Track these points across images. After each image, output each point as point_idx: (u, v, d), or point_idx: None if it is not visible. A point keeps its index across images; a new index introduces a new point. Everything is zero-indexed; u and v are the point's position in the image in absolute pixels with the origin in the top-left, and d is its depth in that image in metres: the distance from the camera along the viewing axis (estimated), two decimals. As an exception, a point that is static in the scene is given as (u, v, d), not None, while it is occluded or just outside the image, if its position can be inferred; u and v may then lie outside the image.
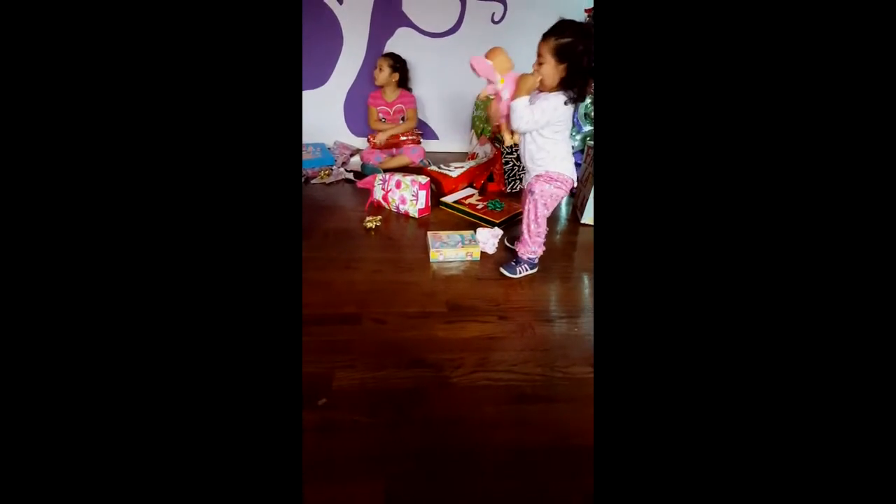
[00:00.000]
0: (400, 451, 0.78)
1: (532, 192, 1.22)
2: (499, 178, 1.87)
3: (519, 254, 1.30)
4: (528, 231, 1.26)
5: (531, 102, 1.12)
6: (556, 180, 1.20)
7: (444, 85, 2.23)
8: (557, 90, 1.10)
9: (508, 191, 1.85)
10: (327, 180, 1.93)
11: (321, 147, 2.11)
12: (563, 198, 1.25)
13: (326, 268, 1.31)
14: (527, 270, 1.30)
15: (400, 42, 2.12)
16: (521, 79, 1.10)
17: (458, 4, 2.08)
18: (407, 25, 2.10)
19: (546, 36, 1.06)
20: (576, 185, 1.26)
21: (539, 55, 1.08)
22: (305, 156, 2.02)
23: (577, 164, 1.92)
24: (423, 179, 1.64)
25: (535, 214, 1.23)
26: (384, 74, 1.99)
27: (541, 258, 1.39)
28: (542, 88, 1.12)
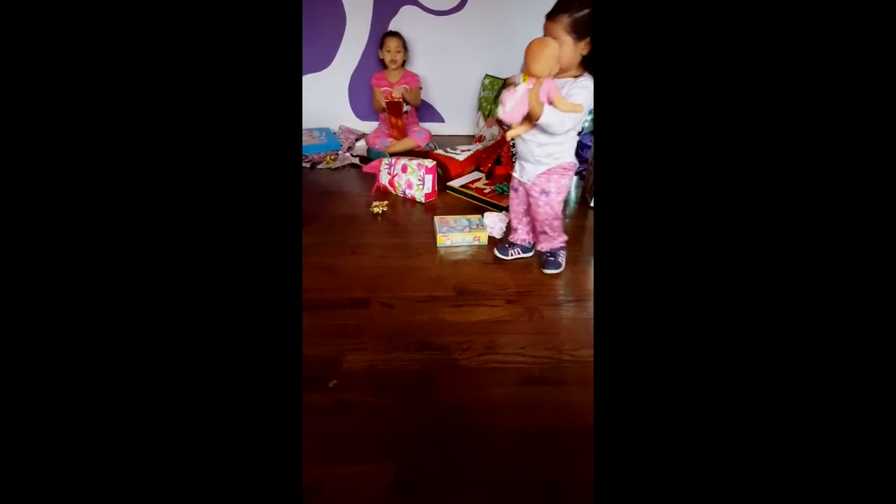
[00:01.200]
0: (409, 433, 0.79)
1: (547, 193, 1.11)
2: (506, 160, 1.84)
3: (550, 248, 1.21)
4: (552, 228, 1.17)
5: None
6: (569, 170, 1.11)
7: (449, 65, 2.18)
8: (577, 71, 0.98)
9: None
10: (333, 165, 1.92)
11: (326, 132, 2.09)
12: None
13: (334, 253, 1.31)
14: (563, 255, 1.23)
15: (404, 21, 2.06)
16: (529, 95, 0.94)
17: (464, -20, 2.01)
18: (411, 3, 2.04)
19: (555, 15, 0.93)
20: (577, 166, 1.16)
21: (553, 38, 0.94)
22: (311, 141, 2.00)
23: (588, 147, 1.88)
24: (430, 163, 1.62)
25: (555, 211, 1.14)
26: (401, 55, 1.95)
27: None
28: (556, 73, 0.98)
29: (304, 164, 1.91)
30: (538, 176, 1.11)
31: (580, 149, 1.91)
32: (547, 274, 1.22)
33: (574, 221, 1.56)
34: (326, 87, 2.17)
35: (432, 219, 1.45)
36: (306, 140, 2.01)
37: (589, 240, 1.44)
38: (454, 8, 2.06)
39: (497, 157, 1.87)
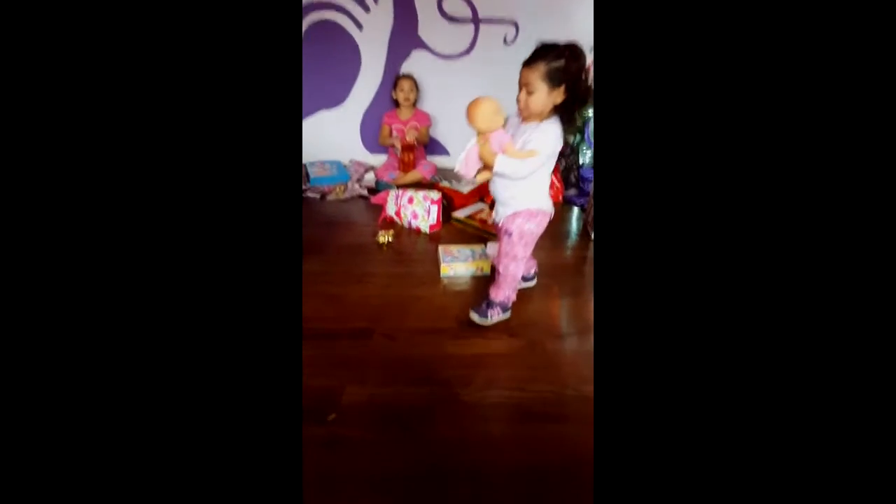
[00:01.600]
0: (407, 470, 0.77)
1: (510, 234, 1.08)
2: (510, 194, 1.88)
3: (492, 297, 1.15)
4: (507, 274, 1.12)
5: (512, 135, 0.99)
6: (537, 216, 1.07)
7: (456, 104, 2.26)
8: (548, 117, 0.99)
9: (520, 207, 1.86)
10: (342, 196, 1.98)
11: (337, 164, 2.18)
12: (542, 232, 1.11)
13: (340, 282, 1.33)
14: (499, 315, 1.14)
15: (415, 64, 2.19)
16: (480, 150, 0.98)
17: (472, 28, 2.15)
18: (422, 48, 2.18)
19: (532, 62, 0.95)
20: (552, 215, 1.11)
21: (526, 84, 0.95)
22: (322, 172, 2.08)
23: (589, 181, 1.92)
24: (435, 195, 1.66)
25: (515, 256, 1.09)
26: (414, 94, 2.07)
27: (552, 273, 1.38)
28: (526, 118, 1.00)
29: (314, 195, 1.98)
30: (506, 217, 1.09)
31: (581, 182, 1.95)
32: (470, 318, 1.14)
33: (575, 253, 1.57)
34: (339, 123, 2.28)
35: (436, 248, 1.47)
36: (318, 172, 2.09)
37: (591, 272, 1.44)
38: (462, 52, 2.19)
39: (501, 191, 1.91)
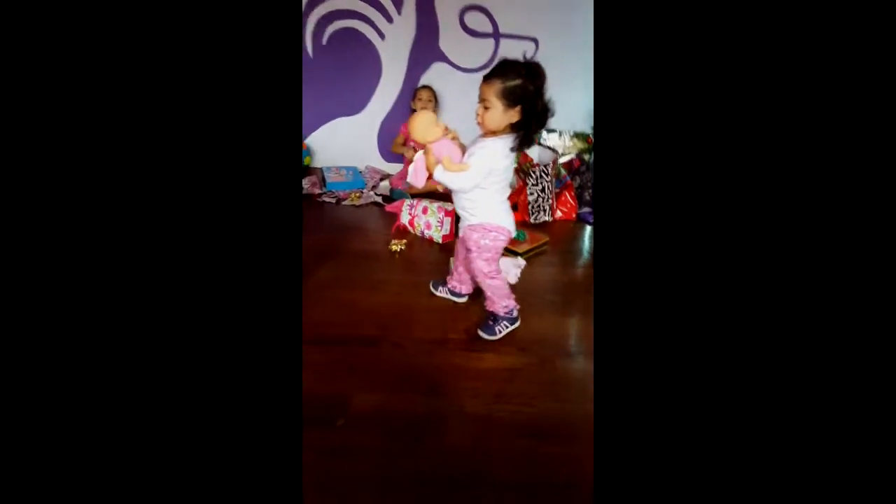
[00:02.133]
0: (413, 478, 0.78)
1: (469, 251, 1.10)
2: (523, 208, 1.89)
3: (492, 311, 1.16)
4: (490, 290, 1.13)
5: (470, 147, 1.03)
6: (492, 231, 1.07)
7: (474, 117, 2.31)
8: (503, 135, 1.00)
9: (532, 221, 1.87)
10: (357, 202, 2.01)
11: (353, 170, 2.22)
12: (503, 247, 1.11)
13: (351, 287, 1.35)
14: (507, 327, 1.15)
15: (435, 76, 2.23)
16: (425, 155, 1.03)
17: (492, 42, 2.19)
18: (442, 60, 2.22)
19: (489, 78, 0.96)
20: (513, 234, 1.11)
21: (483, 99, 0.96)
22: (338, 178, 2.12)
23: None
24: (449, 206, 1.68)
25: (485, 273, 1.11)
26: (431, 105, 2.11)
27: (564, 291, 1.39)
28: (485, 133, 1.02)
29: (330, 200, 2.01)
30: (463, 230, 1.12)
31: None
32: (479, 335, 1.14)
33: (586, 272, 1.57)
34: (357, 130, 2.32)
35: (448, 259, 1.49)
36: (334, 177, 2.13)
37: (603, 291, 1.44)
38: (482, 66, 2.23)
39: (514, 204, 1.93)
